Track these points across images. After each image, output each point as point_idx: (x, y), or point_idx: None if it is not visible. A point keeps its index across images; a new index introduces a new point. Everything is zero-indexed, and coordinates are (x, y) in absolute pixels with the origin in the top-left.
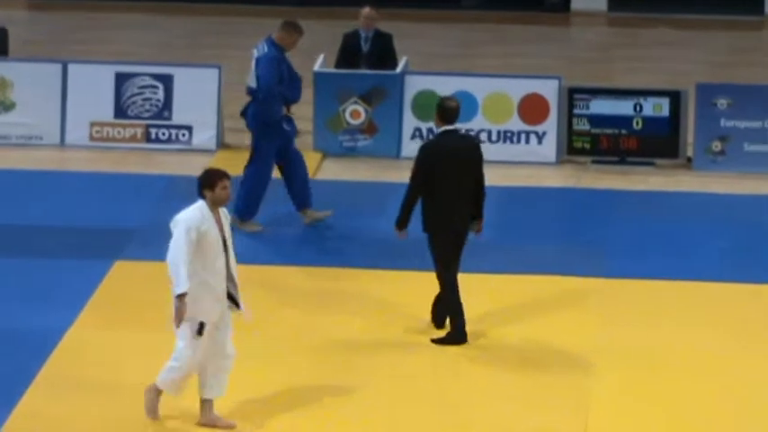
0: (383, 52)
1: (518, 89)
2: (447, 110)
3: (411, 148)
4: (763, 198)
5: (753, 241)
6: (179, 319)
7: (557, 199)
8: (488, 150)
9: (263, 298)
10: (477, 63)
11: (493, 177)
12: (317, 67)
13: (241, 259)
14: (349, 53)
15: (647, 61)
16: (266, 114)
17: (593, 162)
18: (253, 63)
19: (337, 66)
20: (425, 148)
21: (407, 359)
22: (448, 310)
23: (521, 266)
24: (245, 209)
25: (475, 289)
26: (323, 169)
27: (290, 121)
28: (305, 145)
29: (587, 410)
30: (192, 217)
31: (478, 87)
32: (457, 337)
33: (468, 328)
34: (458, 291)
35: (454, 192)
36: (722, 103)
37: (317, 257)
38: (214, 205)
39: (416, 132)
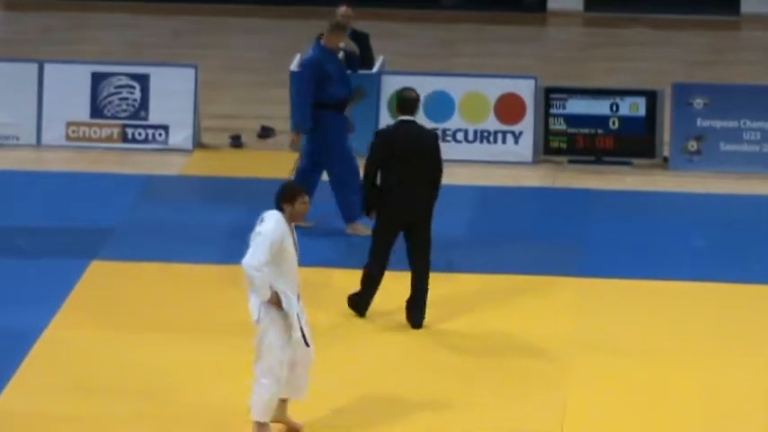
0: (360, 52)
1: (494, 89)
2: (404, 100)
3: None
4: (739, 198)
5: (729, 241)
6: (277, 305)
7: (533, 199)
8: (465, 150)
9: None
10: (453, 63)
11: (469, 177)
12: (293, 67)
13: (210, 259)
14: None
15: (624, 61)
16: (295, 118)
17: (570, 162)
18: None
19: None
20: (380, 133)
21: (383, 353)
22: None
23: (497, 266)
24: (356, 213)
25: (452, 288)
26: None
27: (344, 127)
28: (282, 145)
29: (564, 404)
30: (277, 231)
31: (455, 87)
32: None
33: (445, 326)
34: (374, 286)
35: (405, 181)
36: (698, 102)
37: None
38: (291, 219)
39: None
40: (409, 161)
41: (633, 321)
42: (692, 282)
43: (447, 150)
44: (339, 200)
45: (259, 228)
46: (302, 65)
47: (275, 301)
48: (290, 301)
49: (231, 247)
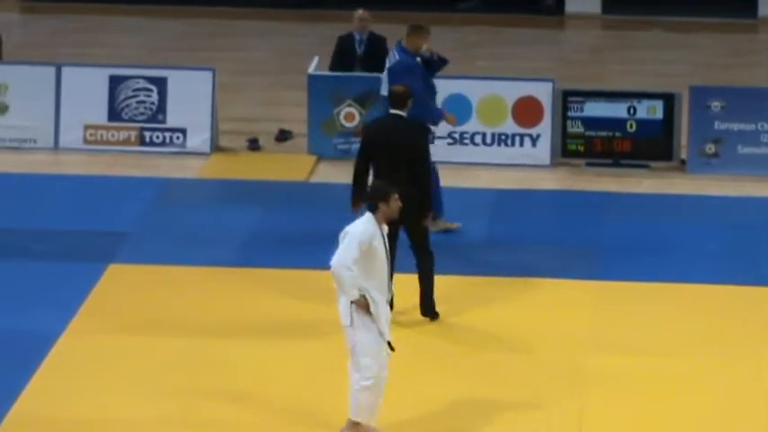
0: (377, 55)
1: (512, 91)
2: (392, 94)
3: None
4: (757, 200)
5: (747, 243)
6: (365, 309)
7: (551, 201)
8: (483, 153)
9: (258, 298)
10: (471, 65)
11: (487, 180)
12: (311, 70)
13: (227, 262)
14: (343, 56)
15: (641, 64)
16: (429, 117)
17: (588, 164)
18: (385, 72)
19: (332, 68)
20: (365, 126)
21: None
22: None
23: (515, 269)
24: (438, 210)
25: (469, 292)
26: (317, 172)
27: None
28: (299, 147)
29: (581, 407)
30: (365, 231)
31: (473, 90)
32: None
33: (462, 327)
34: None
35: (382, 175)
36: (716, 105)
37: (311, 260)
38: (384, 218)
39: None
40: (385, 155)
41: (650, 324)
42: (710, 285)
43: (465, 153)
44: None
45: (347, 227)
46: (401, 71)
47: (363, 305)
48: (377, 308)
49: (249, 250)
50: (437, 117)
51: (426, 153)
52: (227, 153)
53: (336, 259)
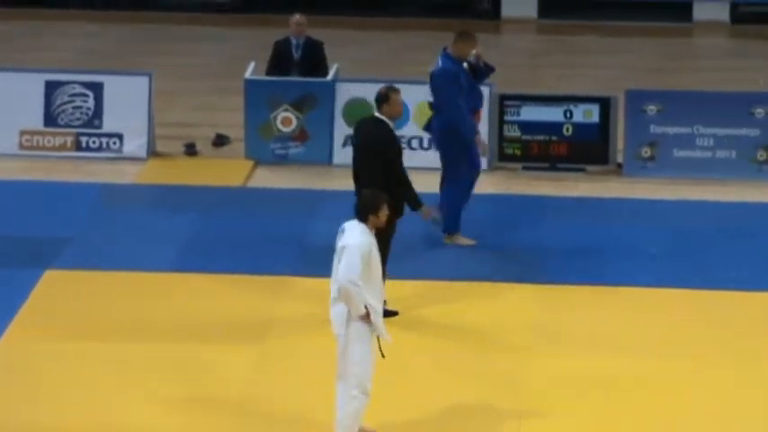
0: (314, 59)
1: None
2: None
3: (343, 155)
4: (693, 203)
5: (684, 247)
6: (367, 319)
7: (488, 205)
8: (420, 157)
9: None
10: (407, 70)
11: (425, 184)
12: (247, 75)
13: (165, 267)
14: (280, 60)
15: (578, 68)
16: (463, 130)
17: (524, 168)
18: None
19: (268, 73)
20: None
21: None
22: None
23: (453, 273)
24: (449, 226)
25: (407, 295)
26: (255, 177)
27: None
28: (236, 152)
29: (521, 407)
30: (364, 242)
31: (410, 95)
32: None
33: (402, 332)
34: None
35: (363, 176)
36: (651, 109)
37: (249, 264)
38: (374, 228)
39: (348, 140)
40: (356, 154)
41: (591, 326)
42: (649, 288)
43: (403, 158)
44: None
45: (343, 241)
46: (442, 79)
47: (366, 317)
48: (377, 315)
49: (186, 255)
50: (467, 131)
51: (395, 155)
52: (164, 158)
53: (344, 275)
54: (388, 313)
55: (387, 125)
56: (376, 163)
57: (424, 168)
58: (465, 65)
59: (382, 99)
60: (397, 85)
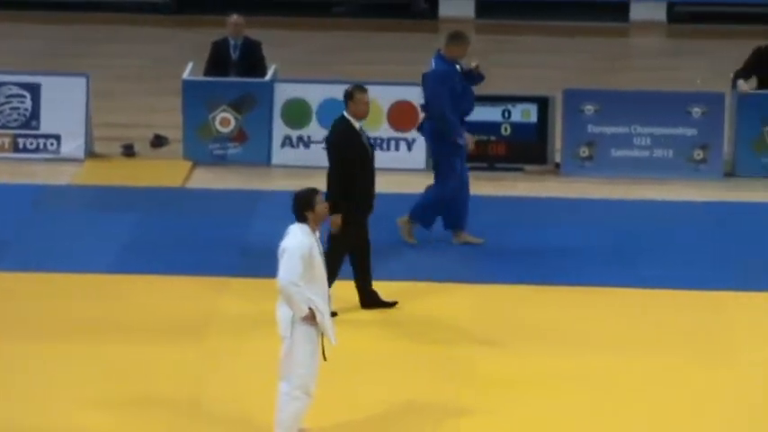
0: (252, 60)
1: (387, 96)
2: None
3: (281, 155)
4: (630, 202)
5: (623, 245)
6: (312, 320)
7: None
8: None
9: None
10: (345, 70)
11: (394, 184)
12: (185, 75)
13: (104, 268)
14: (218, 61)
15: (515, 68)
16: (447, 132)
17: None
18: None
19: (207, 74)
20: None
21: None
22: None
23: (390, 273)
24: (423, 218)
25: (345, 294)
26: (193, 178)
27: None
28: (175, 153)
29: (461, 404)
30: (303, 243)
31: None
32: None
33: (352, 331)
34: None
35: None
36: (589, 109)
37: (188, 265)
38: (315, 223)
39: (286, 140)
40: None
41: (531, 325)
42: (584, 286)
43: None
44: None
45: (283, 243)
46: (431, 79)
47: (311, 318)
48: (323, 316)
49: (125, 255)
50: (453, 135)
51: (337, 155)
52: (102, 159)
53: (282, 277)
54: (387, 304)
55: (348, 123)
56: (331, 160)
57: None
58: (458, 68)
59: (347, 97)
60: (336, 85)
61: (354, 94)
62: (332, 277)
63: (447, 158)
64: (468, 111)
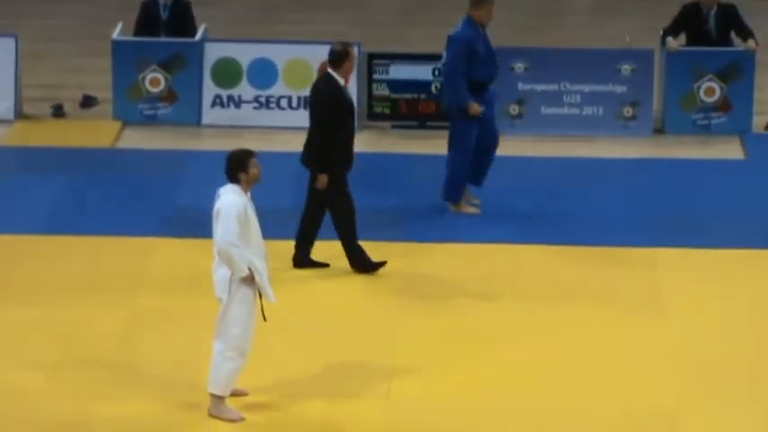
0: (182, 20)
1: (317, 55)
2: None
3: (211, 115)
4: (560, 160)
5: (552, 203)
6: (251, 281)
7: (358, 164)
8: (290, 117)
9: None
10: (275, 30)
11: (293, 144)
12: (115, 35)
13: (35, 230)
14: (148, 21)
15: (446, 26)
16: (451, 96)
17: (393, 127)
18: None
19: (136, 34)
20: None
21: None
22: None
23: (321, 232)
24: (451, 194)
25: (278, 255)
26: (123, 138)
27: (487, 100)
28: (104, 114)
29: (390, 366)
30: (236, 202)
31: (278, 54)
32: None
33: (279, 291)
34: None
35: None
36: (519, 66)
37: (118, 226)
38: (248, 185)
39: (217, 99)
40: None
41: (455, 283)
42: (516, 244)
43: (272, 117)
44: (474, 164)
45: (217, 205)
46: (450, 42)
47: (250, 278)
48: (261, 276)
49: (55, 216)
50: (459, 102)
51: (322, 114)
52: (32, 120)
53: (221, 238)
54: (377, 265)
55: (335, 81)
56: (315, 118)
57: (292, 128)
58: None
59: (342, 55)
60: (267, 45)
61: (350, 52)
62: (353, 236)
63: (459, 125)
64: (489, 77)
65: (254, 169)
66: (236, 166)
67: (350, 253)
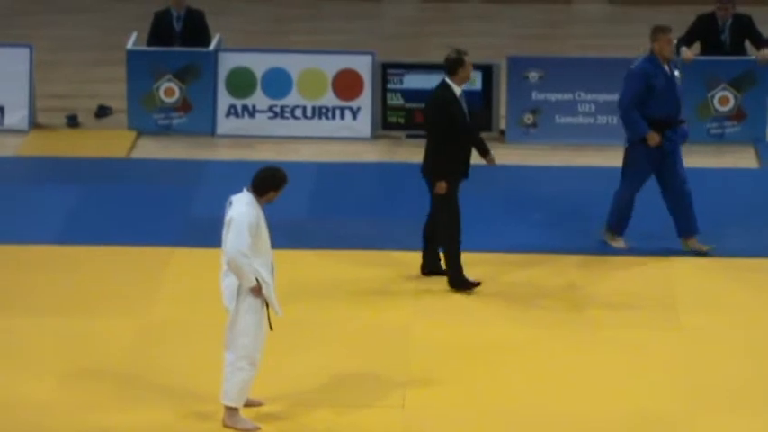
0: (196, 30)
1: (332, 65)
2: None
3: (226, 125)
4: (575, 169)
5: (566, 212)
6: (258, 292)
7: (372, 174)
8: (304, 127)
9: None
10: (291, 39)
11: (309, 154)
12: (129, 45)
13: (51, 240)
14: (161, 33)
15: (459, 36)
16: (628, 132)
17: (408, 136)
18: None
19: (149, 44)
20: None
21: None
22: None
23: (338, 242)
24: (614, 224)
25: (293, 265)
26: (138, 148)
27: (670, 138)
28: (119, 123)
29: (405, 378)
30: (251, 213)
31: (292, 64)
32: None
33: (289, 304)
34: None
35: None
36: (533, 75)
37: (134, 236)
38: (266, 201)
39: (231, 110)
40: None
41: (470, 293)
42: (536, 254)
43: (286, 127)
44: (674, 212)
45: (231, 213)
46: (625, 76)
47: (258, 290)
48: (269, 287)
49: (70, 226)
50: (636, 135)
51: (436, 123)
52: (46, 130)
53: (232, 247)
54: (471, 284)
55: (450, 89)
56: (432, 127)
57: (306, 138)
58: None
59: (457, 63)
60: (281, 54)
61: (464, 59)
62: (458, 243)
63: (636, 158)
64: (667, 115)
65: (280, 192)
66: (271, 184)
67: (448, 266)
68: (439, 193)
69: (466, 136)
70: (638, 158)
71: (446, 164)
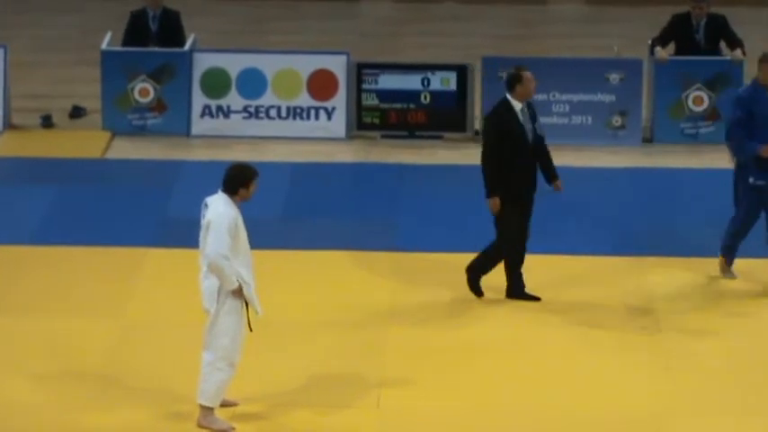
0: (171, 30)
1: (307, 65)
2: None
3: (200, 125)
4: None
5: (541, 211)
6: (239, 294)
7: (347, 174)
8: (278, 127)
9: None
10: (266, 40)
11: (283, 154)
12: (104, 46)
13: (25, 240)
14: (136, 32)
15: (435, 36)
16: (740, 154)
17: (383, 137)
18: None
19: (124, 45)
20: None
21: None
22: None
23: (313, 242)
24: (726, 248)
25: (268, 265)
26: (112, 148)
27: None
28: (94, 124)
29: (380, 376)
30: (228, 214)
31: (267, 64)
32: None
33: (268, 302)
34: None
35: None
36: None
37: (109, 237)
38: (241, 199)
39: (206, 110)
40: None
41: (444, 293)
42: None
43: (260, 127)
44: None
45: (208, 215)
46: (731, 102)
47: (239, 291)
48: (249, 288)
49: (44, 227)
50: (745, 155)
51: (487, 139)
52: (21, 130)
53: (212, 250)
54: (530, 297)
55: (509, 105)
56: (484, 140)
57: (281, 138)
58: None
59: (516, 79)
60: (256, 55)
61: (523, 75)
62: (521, 258)
63: (744, 185)
64: (762, 141)
65: (252, 188)
66: (240, 181)
67: (510, 279)
68: (492, 211)
69: (523, 153)
70: (747, 189)
71: (498, 181)
